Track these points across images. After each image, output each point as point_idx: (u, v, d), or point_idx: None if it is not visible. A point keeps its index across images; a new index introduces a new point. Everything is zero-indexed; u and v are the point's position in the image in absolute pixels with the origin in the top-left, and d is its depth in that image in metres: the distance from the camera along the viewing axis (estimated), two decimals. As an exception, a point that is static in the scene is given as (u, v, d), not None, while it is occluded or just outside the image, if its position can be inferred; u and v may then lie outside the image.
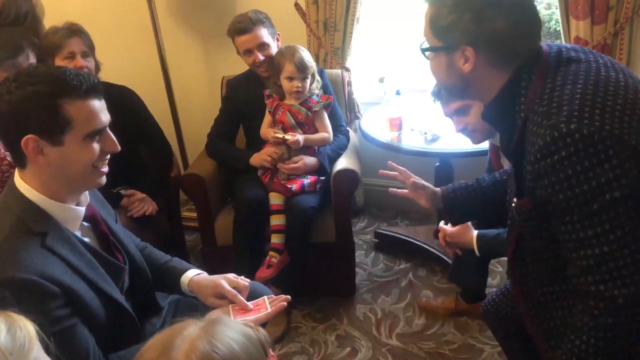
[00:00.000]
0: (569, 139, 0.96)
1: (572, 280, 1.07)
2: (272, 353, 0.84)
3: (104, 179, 1.29)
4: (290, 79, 2.24)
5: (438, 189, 1.63)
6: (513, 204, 1.18)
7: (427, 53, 1.18)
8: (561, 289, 1.20)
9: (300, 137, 2.26)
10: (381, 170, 1.68)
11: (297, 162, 2.27)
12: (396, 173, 1.67)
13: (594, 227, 0.99)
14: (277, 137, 2.25)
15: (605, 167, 0.96)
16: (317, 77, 2.34)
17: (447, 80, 1.19)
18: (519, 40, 1.09)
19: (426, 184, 1.64)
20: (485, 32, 1.07)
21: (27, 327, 0.72)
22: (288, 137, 2.24)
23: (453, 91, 1.27)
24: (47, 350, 0.75)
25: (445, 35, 1.11)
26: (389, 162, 1.69)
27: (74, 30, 2.15)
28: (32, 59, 1.92)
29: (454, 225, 1.72)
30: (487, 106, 1.19)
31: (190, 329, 0.77)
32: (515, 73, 1.10)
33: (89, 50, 2.18)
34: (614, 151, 0.96)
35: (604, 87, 1.03)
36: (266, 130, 2.36)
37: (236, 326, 0.81)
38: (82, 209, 1.29)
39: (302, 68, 2.21)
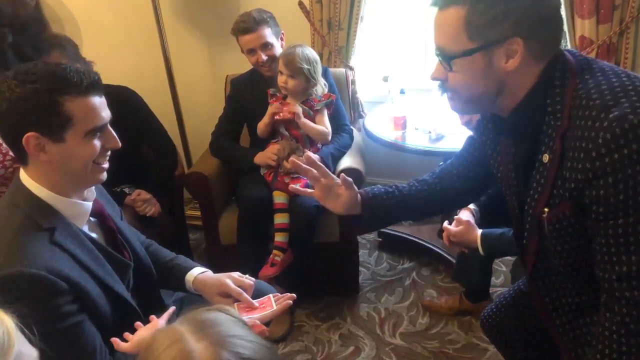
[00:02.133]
0: (639, 131, 0.90)
1: (603, 285, 1.02)
2: None
3: (104, 175, 1.29)
4: (280, 72, 2.25)
5: (358, 193, 1.36)
6: (543, 214, 1.07)
7: (452, 62, 1.04)
8: (589, 297, 1.14)
9: (297, 108, 2.24)
10: (291, 186, 1.30)
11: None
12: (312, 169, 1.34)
13: None
14: (276, 110, 2.24)
15: None
16: (322, 81, 2.32)
17: (482, 87, 1.06)
18: (557, 22, 1.03)
19: (343, 183, 1.35)
20: (534, 17, 0.99)
21: (5, 322, 0.67)
22: (288, 102, 2.24)
23: (482, 101, 1.10)
24: (32, 342, 0.71)
25: (487, 32, 0.99)
26: (306, 153, 1.38)
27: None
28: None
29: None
30: (512, 113, 1.09)
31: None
32: (547, 66, 1.03)
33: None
34: None
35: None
36: (263, 122, 2.33)
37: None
38: (89, 204, 1.29)
39: (287, 64, 2.20)
